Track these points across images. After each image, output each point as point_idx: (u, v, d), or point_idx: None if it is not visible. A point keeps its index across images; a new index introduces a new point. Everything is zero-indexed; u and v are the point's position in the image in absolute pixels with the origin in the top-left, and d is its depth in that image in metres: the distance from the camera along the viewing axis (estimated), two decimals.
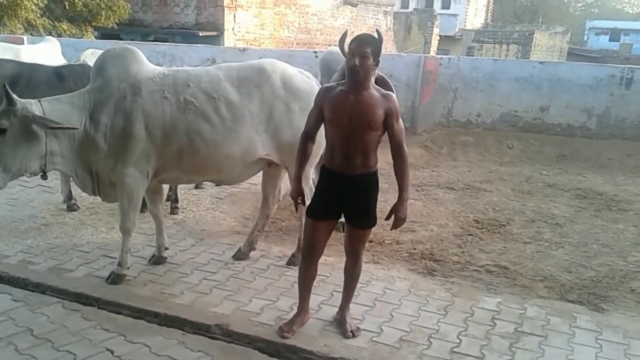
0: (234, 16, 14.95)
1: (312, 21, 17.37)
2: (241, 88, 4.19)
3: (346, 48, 4.42)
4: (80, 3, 12.43)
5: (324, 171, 3.36)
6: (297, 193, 3.38)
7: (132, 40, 14.97)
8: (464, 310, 3.91)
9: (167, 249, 4.62)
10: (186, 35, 14.53)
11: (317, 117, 3.30)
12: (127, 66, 4.04)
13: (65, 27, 12.32)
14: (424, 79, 9.86)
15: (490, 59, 11.82)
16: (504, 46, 26.77)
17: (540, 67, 9.62)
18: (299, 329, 3.53)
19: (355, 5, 19.13)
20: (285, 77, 4.30)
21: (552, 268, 4.68)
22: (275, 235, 5.26)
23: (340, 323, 3.61)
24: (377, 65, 3.16)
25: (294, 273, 4.34)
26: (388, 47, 21.32)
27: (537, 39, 27.28)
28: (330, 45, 18.34)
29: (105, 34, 14.79)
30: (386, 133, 3.23)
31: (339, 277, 4.31)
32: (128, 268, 4.25)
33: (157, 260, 4.54)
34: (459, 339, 3.54)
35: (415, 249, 5.02)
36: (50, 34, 11.83)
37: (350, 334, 3.51)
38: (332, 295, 4.05)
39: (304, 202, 3.43)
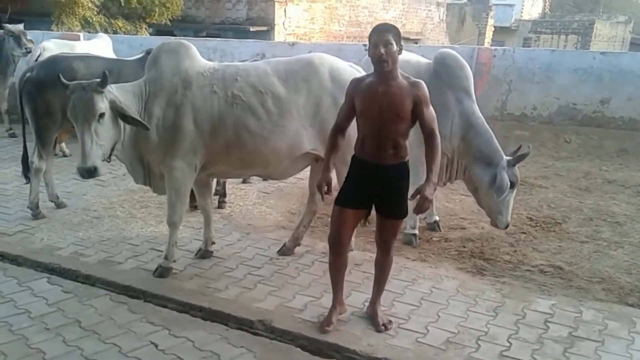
0: (285, 11, 14.96)
1: (363, 14, 17.21)
2: (288, 82, 4.15)
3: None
4: (135, 0, 12.70)
5: (355, 161, 3.35)
6: (324, 180, 3.36)
7: (185, 36, 15.22)
8: (515, 312, 3.75)
9: (213, 243, 4.65)
10: (237, 30, 14.64)
11: (348, 110, 3.32)
12: (179, 61, 4.09)
13: (120, 24, 12.63)
14: (477, 71, 9.53)
15: (547, 50, 11.40)
16: (563, 37, 25.80)
17: (601, 57, 9.16)
18: (337, 321, 3.50)
19: None
20: (334, 70, 4.24)
21: (611, 269, 4.44)
22: (321, 231, 5.20)
23: (371, 317, 3.58)
24: (401, 50, 3.15)
25: None
26: (440, 39, 20.93)
27: (597, 29, 26.16)
28: None
29: (160, 31, 15.09)
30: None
31: None
32: (174, 261, 4.29)
33: (204, 254, 4.57)
34: (509, 342, 3.40)
35: (464, 247, 4.87)
36: (106, 30, 12.16)
37: (383, 327, 3.48)
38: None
39: (329, 191, 3.38)
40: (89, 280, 4.17)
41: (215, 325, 3.56)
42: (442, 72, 4.79)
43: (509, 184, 4.40)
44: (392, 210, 3.34)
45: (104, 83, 3.63)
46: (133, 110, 3.81)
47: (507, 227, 4.61)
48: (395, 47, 3.08)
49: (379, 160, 3.22)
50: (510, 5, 31.06)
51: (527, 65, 9.39)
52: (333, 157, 3.41)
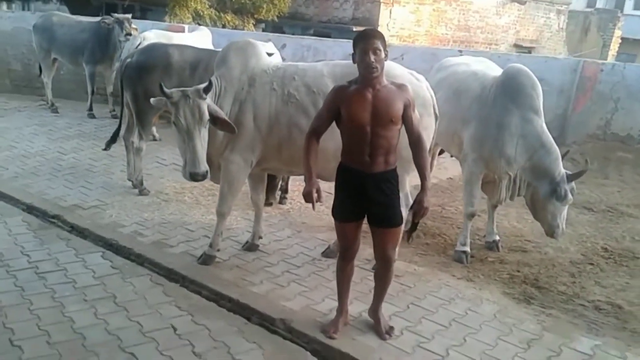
0: (390, 12, 14.83)
1: (473, 19, 16.61)
2: None
3: None
4: None
5: (343, 170, 3.29)
6: (312, 187, 3.19)
7: (293, 33, 15.57)
8: (550, 347, 3.49)
9: (261, 237, 4.75)
10: (342, 30, 14.75)
11: (328, 117, 3.25)
12: (247, 59, 4.25)
13: (229, 18, 13.16)
14: (580, 85, 8.94)
15: None
16: None
17: None
18: (342, 329, 3.49)
19: (524, 3, 17.92)
20: (390, 76, 4.16)
21: None
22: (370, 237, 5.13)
23: (373, 324, 3.53)
24: (386, 56, 3.12)
25: None
26: (558, 49, 19.77)
27: None
28: (491, 44, 17.45)
29: (275, 27, 15.66)
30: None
31: (423, 289, 4.13)
32: (218, 250, 4.44)
33: (250, 247, 4.68)
34: None
35: (519, 271, 4.58)
36: (215, 24, 12.74)
37: (387, 335, 3.45)
38: (408, 307, 3.87)
39: (319, 198, 3.25)
40: (139, 259, 4.42)
41: (237, 318, 3.64)
42: (512, 89, 4.55)
43: (570, 195, 4.43)
44: (386, 218, 3.28)
45: (207, 90, 3.75)
46: (224, 114, 3.95)
47: (563, 234, 4.68)
48: (383, 54, 3.07)
49: (369, 168, 3.17)
50: None
51: (638, 83, 8.64)
52: (314, 161, 3.27)
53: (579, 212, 6.34)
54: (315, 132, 3.32)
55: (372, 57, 3.03)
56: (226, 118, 3.92)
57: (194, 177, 3.84)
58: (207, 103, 3.77)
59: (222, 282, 4.07)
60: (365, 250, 4.75)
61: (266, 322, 3.60)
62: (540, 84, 9.05)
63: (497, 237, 5.06)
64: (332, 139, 4.07)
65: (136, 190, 5.93)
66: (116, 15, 8.45)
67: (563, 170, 4.47)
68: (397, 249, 4.39)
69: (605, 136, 8.99)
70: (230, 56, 4.27)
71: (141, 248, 4.55)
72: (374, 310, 3.58)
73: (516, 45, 18.11)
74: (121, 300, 3.73)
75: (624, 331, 3.76)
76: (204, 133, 3.80)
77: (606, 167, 8.56)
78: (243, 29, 13.28)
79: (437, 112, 4.33)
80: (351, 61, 4.48)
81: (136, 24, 8.89)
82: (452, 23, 16.30)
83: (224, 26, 12.89)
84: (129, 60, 5.85)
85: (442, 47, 13.48)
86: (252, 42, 4.44)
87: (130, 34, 8.06)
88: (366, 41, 3.07)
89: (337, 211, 3.37)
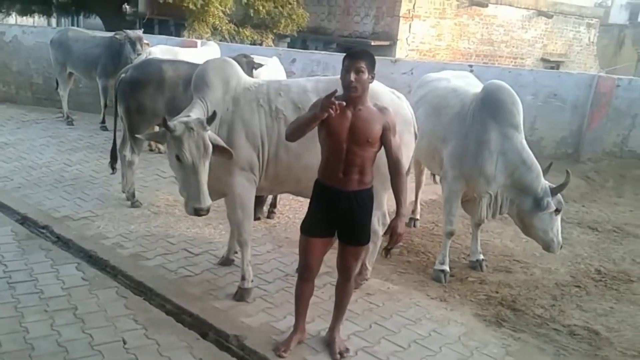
0: (410, 26, 14.74)
1: (497, 32, 16.34)
2: None
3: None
4: (264, 11, 13.32)
5: (318, 186, 3.28)
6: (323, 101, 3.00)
7: (316, 47, 15.66)
8: None
9: (236, 252, 4.72)
10: (361, 44, 14.73)
11: None
12: (228, 78, 4.13)
13: (248, 32, 13.30)
14: (594, 101, 8.69)
15: None
16: None
17: None
18: (294, 347, 3.44)
19: (551, 17, 17.55)
20: (373, 93, 4.10)
21: None
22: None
23: (328, 344, 3.48)
24: (372, 79, 3.11)
25: None
26: (588, 63, 19.28)
27: None
28: (516, 58, 17.15)
29: (302, 41, 15.76)
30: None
31: (391, 309, 4.05)
32: (252, 280, 4.19)
33: (225, 261, 4.67)
34: None
35: (497, 292, 4.44)
36: (233, 38, 12.89)
37: (339, 355, 3.39)
38: (370, 327, 3.78)
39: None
40: (113, 271, 4.44)
41: (190, 333, 3.61)
42: (491, 105, 4.44)
43: (553, 205, 4.33)
44: (354, 237, 3.27)
45: (211, 120, 3.64)
46: (221, 141, 3.81)
47: (561, 248, 4.59)
48: (366, 75, 3.06)
49: (343, 186, 3.15)
50: None
51: None
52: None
53: (582, 231, 6.14)
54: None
55: (353, 77, 3.04)
56: (225, 145, 3.78)
57: (198, 212, 3.60)
58: (208, 133, 3.63)
59: (187, 296, 4.06)
60: None
61: (221, 338, 3.56)
62: (553, 99, 8.84)
63: (482, 257, 4.92)
64: (317, 156, 4.03)
65: (129, 203, 6.00)
66: (127, 32, 8.61)
67: (546, 184, 4.37)
68: (370, 268, 4.39)
69: (622, 153, 8.76)
70: (210, 77, 4.09)
71: (117, 260, 4.57)
72: (331, 329, 3.54)
73: (543, 60, 17.74)
74: (81, 312, 3.74)
75: (595, 358, 3.58)
76: (207, 165, 3.62)
77: (621, 186, 8.27)
78: (261, 44, 13.40)
79: (416, 130, 4.27)
80: (335, 77, 4.50)
81: (148, 38, 9.07)
82: (475, 37, 16.08)
83: (242, 41, 13.02)
84: (123, 75, 5.95)
85: (451, 61, 13.29)
86: (228, 61, 4.36)
87: (140, 54, 8.18)
88: (351, 60, 3.07)
89: (306, 225, 3.32)
